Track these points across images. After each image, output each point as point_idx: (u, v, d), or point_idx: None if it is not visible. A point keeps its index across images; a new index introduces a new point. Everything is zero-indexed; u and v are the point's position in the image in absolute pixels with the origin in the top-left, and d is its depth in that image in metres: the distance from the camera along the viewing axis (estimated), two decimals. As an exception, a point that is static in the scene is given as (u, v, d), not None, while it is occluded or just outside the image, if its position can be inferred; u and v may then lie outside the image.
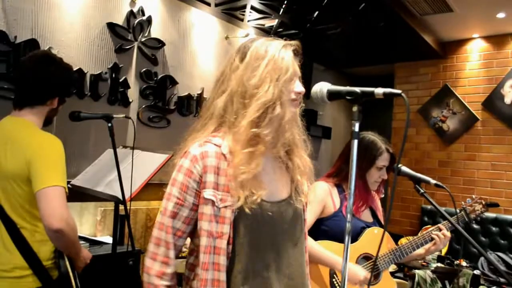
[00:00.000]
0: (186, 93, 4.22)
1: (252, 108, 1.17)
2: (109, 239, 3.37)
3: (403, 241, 2.33)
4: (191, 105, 4.28)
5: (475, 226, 4.61)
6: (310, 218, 2.05)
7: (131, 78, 3.75)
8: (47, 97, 1.84)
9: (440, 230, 2.15)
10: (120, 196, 2.15)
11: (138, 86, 3.82)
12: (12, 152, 1.72)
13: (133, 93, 3.77)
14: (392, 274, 3.90)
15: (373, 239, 2.09)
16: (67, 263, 1.87)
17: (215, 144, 1.20)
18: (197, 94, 4.34)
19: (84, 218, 3.42)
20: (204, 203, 1.16)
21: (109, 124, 2.05)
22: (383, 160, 2.12)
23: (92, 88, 3.44)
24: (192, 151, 1.20)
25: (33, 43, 3.04)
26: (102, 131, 3.46)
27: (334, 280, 2.03)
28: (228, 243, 1.15)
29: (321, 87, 1.18)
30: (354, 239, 2.07)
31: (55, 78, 1.85)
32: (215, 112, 1.25)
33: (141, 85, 3.83)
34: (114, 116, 2.08)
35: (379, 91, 1.10)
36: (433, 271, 3.40)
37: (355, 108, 1.12)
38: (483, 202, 2.30)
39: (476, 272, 3.48)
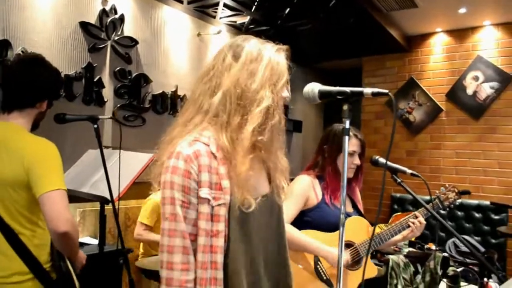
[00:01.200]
0: (160, 91, 4.23)
1: (254, 114, 1.17)
2: (89, 240, 3.37)
3: (377, 230, 2.45)
4: (166, 103, 4.30)
5: (442, 211, 4.84)
6: (293, 210, 2.15)
7: (105, 77, 3.73)
8: (36, 100, 1.84)
9: (416, 217, 2.28)
10: (106, 196, 2.17)
11: (113, 85, 3.80)
12: (9, 159, 1.71)
13: (107, 92, 3.75)
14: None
15: (353, 228, 2.21)
16: (68, 264, 1.90)
17: (204, 143, 1.17)
18: (171, 91, 4.35)
19: (63, 219, 3.40)
20: (201, 202, 1.14)
21: (95, 126, 2.06)
22: (352, 145, 2.22)
23: (66, 88, 3.40)
24: (184, 151, 1.15)
25: (5, 44, 2.99)
26: (79, 133, 3.45)
27: (318, 266, 2.13)
28: (224, 241, 1.15)
29: (313, 88, 1.26)
30: (336, 228, 2.16)
31: (44, 81, 1.84)
32: (203, 108, 1.22)
33: (115, 84, 3.81)
34: (100, 117, 2.10)
35: (368, 91, 1.18)
36: (405, 256, 3.57)
37: (345, 107, 1.21)
38: (456, 190, 2.44)
39: (445, 255, 3.68)
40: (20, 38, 3.11)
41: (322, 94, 1.25)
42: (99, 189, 2.26)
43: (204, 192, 1.13)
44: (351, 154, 2.22)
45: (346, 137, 1.22)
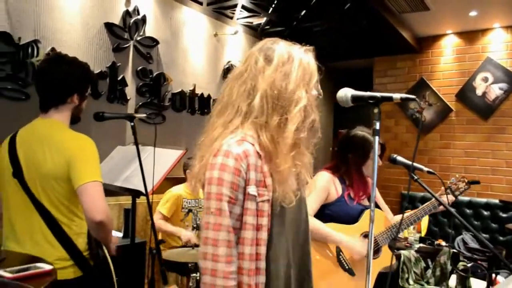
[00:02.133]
0: (179, 90, 4.37)
1: (294, 114, 1.24)
2: (114, 233, 3.51)
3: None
4: (184, 101, 4.44)
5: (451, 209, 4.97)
6: (316, 204, 2.30)
7: (128, 76, 3.87)
8: (65, 95, 1.94)
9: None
10: (140, 190, 2.31)
11: (135, 83, 3.94)
12: (51, 153, 1.84)
13: (130, 90, 3.89)
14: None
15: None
16: (106, 252, 2.04)
17: (250, 143, 1.24)
18: (190, 90, 4.49)
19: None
20: (248, 198, 1.21)
21: (132, 124, 2.20)
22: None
23: (92, 86, 3.54)
24: (233, 150, 1.21)
25: (36, 44, 3.12)
26: (101, 131, 3.60)
27: (340, 256, 2.28)
28: (267, 234, 1.23)
29: (346, 92, 1.39)
30: (355, 220, 2.33)
31: (68, 76, 1.94)
32: (243, 110, 1.27)
33: (137, 83, 3.95)
34: (137, 115, 2.24)
35: (397, 96, 1.31)
36: (416, 251, 3.69)
37: (376, 110, 1.34)
38: (466, 180, 2.59)
39: (455, 250, 3.80)
40: (50, 38, 3.25)
41: (354, 98, 1.38)
42: (132, 183, 2.39)
43: (252, 189, 1.21)
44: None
45: (377, 137, 1.35)
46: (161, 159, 2.46)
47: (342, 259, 2.28)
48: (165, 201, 3.67)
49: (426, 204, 2.48)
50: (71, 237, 1.88)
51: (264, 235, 1.22)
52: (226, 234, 1.18)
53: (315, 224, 2.20)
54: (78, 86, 2.00)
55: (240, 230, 1.22)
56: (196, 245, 3.57)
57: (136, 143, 2.21)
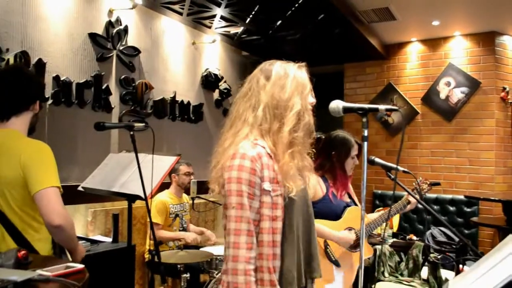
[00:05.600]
0: (161, 97, 4.50)
1: (289, 118, 1.45)
2: (102, 238, 3.60)
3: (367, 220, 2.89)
4: (165, 108, 4.57)
5: (419, 206, 5.28)
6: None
7: (112, 85, 3.98)
8: (30, 101, 2.02)
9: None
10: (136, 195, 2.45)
11: (118, 92, 4.05)
12: (7, 161, 1.88)
13: (114, 99, 3.99)
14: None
15: (353, 216, 2.60)
16: (69, 256, 2.07)
17: (261, 146, 1.44)
18: (170, 97, 4.63)
19: (76, 219, 3.62)
20: (264, 193, 1.39)
21: (131, 133, 2.33)
22: (355, 150, 2.69)
23: (78, 96, 3.64)
24: (248, 152, 1.39)
25: (23, 55, 3.19)
26: (88, 139, 3.70)
27: (328, 249, 2.51)
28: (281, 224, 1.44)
29: (337, 104, 1.60)
30: (339, 216, 2.58)
31: (31, 84, 2.04)
32: (249, 121, 1.48)
33: (121, 91, 4.06)
34: (135, 125, 2.37)
35: (382, 107, 1.53)
36: (390, 246, 3.95)
37: (364, 119, 1.55)
38: (428, 182, 2.90)
39: (426, 243, 4.08)
40: (36, 49, 3.32)
41: (345, 109, 1.58)
42: (129, 189, 2.53)
43: (267, 185, 1.40)
44: (353, 158, 2.62)
45: (365, 143, 1.56)
46: (157, 165, 2.59)
47: (329, 251, 2.50)
48: (156, 211, 3.77)
49: (397, 203, 2.76)
50: (33, 243, 1.91)
51: (279, 224, 1.42)
52: (246, 224, 1.36)
53: None
54: (40, 92, 2.10)
55: (259, 221, 1.40)
56: (186, 246, 3.72)
57: (135, 151, 2.33)
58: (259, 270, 1.39)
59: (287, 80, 1.50)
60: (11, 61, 3.09)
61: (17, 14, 3.18)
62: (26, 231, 1.91)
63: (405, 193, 2.69)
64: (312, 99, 1.56)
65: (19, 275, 1.27)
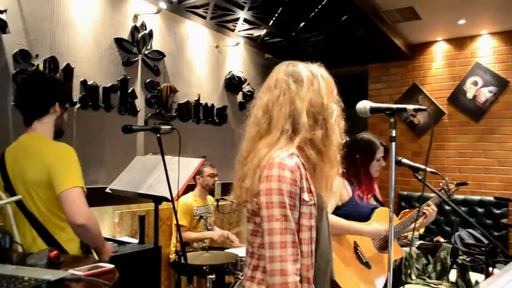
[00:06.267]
0: (185, 100, 4.55)
1: (332, 125, 1.41)
2: (128, 239, 3.66)
3: (396, 221, 2.85)
4: (190, 111, 4.62)
5: (446, 207, 5.19)
6: (333, 204, 2.50)
7: (138, 88, 4.04)
8: (48, 105, 2.06)
9: (429, 205, 2.67)
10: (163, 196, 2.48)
11: (144, 95, 4.11)
12: (32, 163, 1.95)
13: (139, 102, 4.05)
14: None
15: (381, 217, 2.57)
16: (95, 255, 2.11)
17: (297, 156, 1.37)
18: (195, 100, 4.67)
19: (104, 221, 3.70)
20: (303, 204, 1.35)
21: (158, 135, 2.36)
22: (380, 152, 2.64)
23: (104, 100, 3.71)
24: (288, 163, 1.33)
25: (52, 60, 3.27)
26: (114, 142, 3.76)
27: (358, 251, 2.50)
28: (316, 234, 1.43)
29: (365, 104, 1.59)
30: (368, 218, 2.55)
31: (47, 86, 2.08)
32: (288, 131, 1.40)
33: (146, 95, 4.12)
34: (162, 127, 2.40)
35: (410, 107, 1.51)
36: (417, 248, 3.90)
37: (392, 120, 1.53)
38: (454, 183, 2.85)
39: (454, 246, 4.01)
40: (64, 54, 3.40)
41: (372, 109, 1.57)
42: (156, 190, 2.56)
43: (306, 196, 1.36)
44: (378, 160, 2.59)
45: (393, 144, 1.54)
46: (183, 167, 2.62)
47: (359, 253, 2.48)
48: (181, 213, 3.80)
49: (411, 213, 2.74)
50: (61, 243, 1.96)
51: (314, 234, 1.39)
52: (291, 236, 1.31)
53: (338, 220, 2.43)
54: (58, 94, 2.12)
55: (299, 232, 1.36)
56: (211, 248, 3.74)
57: (162, 154, 2.36)
58: (308, 281, 1.37)
59: (319, 83, 1.43)
60: (41, 66, 3.18)
61: (46, 21, 3.26)
62: (54, 231, 1.97)
63: (432, 195, 2.65)
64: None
65: (52, 275, 1.30)
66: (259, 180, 1.35)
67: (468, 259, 3.65)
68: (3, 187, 2.02)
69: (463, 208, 5.30)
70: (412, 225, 2.69)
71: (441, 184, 2.82)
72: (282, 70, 1.48)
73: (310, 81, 1.43)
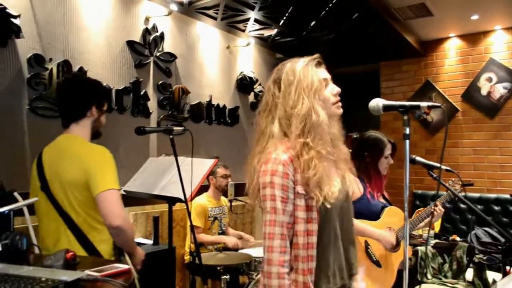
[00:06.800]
0: (197, 101, 4.56)
1: (294, 123, 1.45)
2: (143, 240, 3.68)
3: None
4: (202, 112, 4.63)
5: (462, 205, 5.14)
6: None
7: (150, 90, 4.06)
8: (84, 108, 2.10)
9: (436, 205, 2.69)
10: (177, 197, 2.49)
11: (156, 97, 4.13)
12: (70, 164, 1.97)
13: (152, 104, 4.08)
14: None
15: (392, 215, 2.58)
16: (127, 258, 2.11)
17: (290, 152, 1.43)
18: (206, 101, 4.69)
19: (118, 222, 3.72)
20: (298, 197, 1.40)
21: (171, 136, 2.37)
22: (388, 149, 2.67)
23: (117, 102, 3.73)
24: (281, 157, 1.40)
25: (65, 64, 3.30)
26: (128, 144, 3.78)
27: (369, 249, 2.48)
28: (317, 226, 1.41)
29: (377, 102, 1.57)
30: (377, 217, 2.55)
31: (83, 93, 2.11)
32: (272, 135, 1.49)
33: (158, 97, 4.14)
34: (175, 129, 2.41)
35: (424, 104, 1.49)
36: (433, 247, 3.85)
37: (405, 117, 1.52)
38: (460, 183, 2.86)
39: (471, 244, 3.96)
40: (77, 58, 3.43)
41: (385, 107, 1.56)
42: (170, 191, 2.57)
43: (300, 188, 1.40)
44: (386, 157, 2.59)
45: (407, 142, 1.52)
46: (196, 168, 2.62)
47: (370, 252, 2.47)
48: (195, 215, 3.82)
49: (420, 212, 2.77)
50: (94, 244, 1.98)
51: (314, 226, 1.41)
52: (280, 228, 1.38)
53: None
54: (95, 98, 2.15)
55: (294, 224, 1.41)
56: (225, 248, 3.75)
57: (175, 154, 2.37)
58: (295, 271, 1.40)
59: (292, 87, 1.48)
60: (54, 70, 3.21)
61: (59, 25, 3.29)
62: (89, 231, 1.99)
63: (443, 192, 2.65)
64: (334, 90, 1.53)
65: (69, 275, 1.31)
66: (258, 176, 1.44)
67: (484, 257, 3.59)
68: (40, 187, 2.04)
69: (479, 206, 5.23)
70: (421, 224, 2.72)
71: (449, 183, 2.82)
72: (273, 75, 1.57)
73: (287, 86, 1.50)
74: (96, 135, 2.19)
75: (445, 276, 3.65)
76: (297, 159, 1.42)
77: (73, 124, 2.10)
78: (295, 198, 1.41)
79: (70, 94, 2.11)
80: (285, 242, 1.38)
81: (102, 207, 1.89)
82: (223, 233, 4.08)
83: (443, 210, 2.69)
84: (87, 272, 1.38)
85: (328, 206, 1.42)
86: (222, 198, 4.19)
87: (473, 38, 5.54)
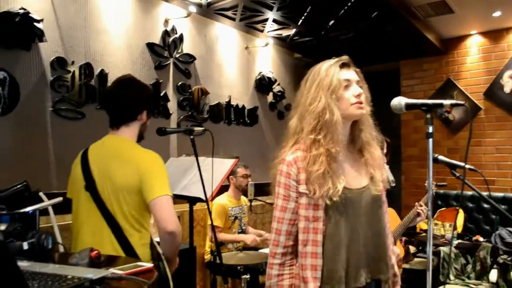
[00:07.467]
0: (216, 102, 4.59)
1: (307, 119, 1.52)
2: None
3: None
4: (221, 112, 4.66)
5: (485, 205, 5.04)
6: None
7: (170, 91, 4.10)
8: (136, 112, 2.11)
9: (421, 205, 2.83)
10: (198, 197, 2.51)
11: (176, 98, 4.17)
12: (123, 168, 1.99)
13: (172, 105, 4.12)
14: (415, 254, 4.34)
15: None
16: (166, 265, 2.08)
17: (302, 150, 1.52)
18: (225, 102, 4.71)
19: (140, 222, 3.76)
20: (301, 195, 1.48)
21: (191, 137, 2.39)
22: (384, 148, 2.65)
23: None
24: (287, 158, 1.53)
25: (87, 67, 3.37)
26: (148, 145, 3.80)
27: None
28: (323, 224, 1.45)
29: (400, 101, 1.55)
30: None
31: (135, 97, 2.12)
32: (291, 132, 1.60)
33: (178, 98, 4.18)
34: (195, 129, 2.43)
35: (447, 102, 1.47)
36: (456, 247, 3.80)
37: (428, 115, 1.50)
38: (434, 183, 2.98)
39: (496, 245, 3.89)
40: (99, 60, 3.49)
41: (408, 105, 1.54)
42: (191, 191, 2.59)
43: (303, 188, 1.48)
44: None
45: (430, 140, 1.50)
46: (216, 168, 2.64)
47: None
48: (216, 214, 3.83)
49: (407, 216, 2.88)
50: (136, 247, 1.99)
51: (320, 225, 1.46)
52: (276, 223, 1.54)
53: None
54: (147, 103, 2.17)
55: (297, 221, 1.51)
56: (245, 248, 3.76)
57: (196, 155, 2.39)
58: (302, 268, 1.47)
59: (313, 85, 1.55)
60: (76, 73, 3.28)
61: (80, 29, 3.36)
62: (132, 235, 1.99)
63: (470, 192, 2.62)
64: (355, 91, 1.54)
65: (94, 273, 1.33)
66: None
67: (509, 258, 3.53)
68: (84, 186, 2.04)
69: (503, 206, 5.12)
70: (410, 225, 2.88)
71: (426, 184, 2.86)
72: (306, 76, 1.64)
73: (309, 85, 1.58)
74: (140, 138, 2.20)
75: (468, 277, 3.60)
76: (305, 156, 1.50)
77: (123, 127, 2.10)
78: (298, 197, 1.50)
79: (125, 98, 2.11)
80: (279, 237, 1.52)
81: (157, 212, 1.91)
82: (243, 232, 4.10)
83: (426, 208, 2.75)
84: (112, 270, 1.40)
85: (328, 202, 1.45)
86: (242, 197, 4.20)
87: (495, 35, 5.43)
